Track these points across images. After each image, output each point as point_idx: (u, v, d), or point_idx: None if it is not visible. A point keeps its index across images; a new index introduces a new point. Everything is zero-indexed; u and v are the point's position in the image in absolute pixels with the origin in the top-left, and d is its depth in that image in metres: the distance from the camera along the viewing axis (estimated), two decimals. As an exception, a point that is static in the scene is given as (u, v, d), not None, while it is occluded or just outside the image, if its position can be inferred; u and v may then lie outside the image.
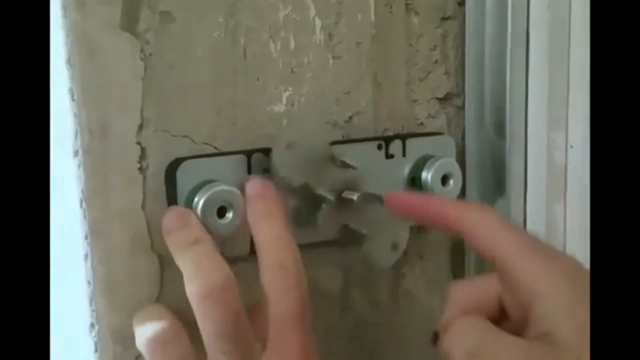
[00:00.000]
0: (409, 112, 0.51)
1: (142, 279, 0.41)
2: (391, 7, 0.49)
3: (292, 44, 0.45)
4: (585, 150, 0.53)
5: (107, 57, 0.39)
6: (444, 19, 0.52)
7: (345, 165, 0.45)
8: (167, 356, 0.38)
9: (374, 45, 0.49)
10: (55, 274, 0.37)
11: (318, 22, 0.46)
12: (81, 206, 0.39)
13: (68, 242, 0.40)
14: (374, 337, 0.51)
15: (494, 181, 0.53)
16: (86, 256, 0.40)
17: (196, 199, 0.41)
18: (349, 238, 0.47)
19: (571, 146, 0.54)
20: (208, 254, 0.38)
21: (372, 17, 0.48)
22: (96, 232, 0.40)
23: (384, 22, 0.49)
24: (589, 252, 0.33)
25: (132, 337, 0.40)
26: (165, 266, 0.41)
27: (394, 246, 0.48)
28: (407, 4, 0.50)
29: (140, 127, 0.40)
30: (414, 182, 0.49)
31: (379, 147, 0.48)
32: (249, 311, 0.37)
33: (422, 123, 0.52)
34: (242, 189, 0.41)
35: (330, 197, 0.45)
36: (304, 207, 0.45)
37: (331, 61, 0.47)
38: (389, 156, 0.48)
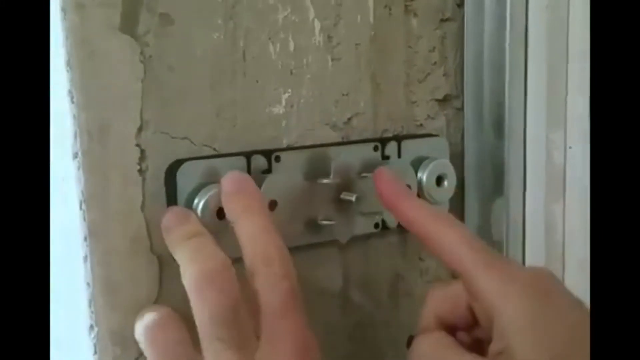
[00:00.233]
0: (408, 114, 0.51)
1: (142, 280, 0.41)
2: (390, 9, 0.49)
3: (292, 46, 0.45)
4: (584, 151, 0.53)
5: (106, 59, 0.39)
6: (443, 20, 0.52)
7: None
8: (164, 341, 0.37)
9: (373, 46, 0.49)
10: (54, 275, 0.37)
11: (317, 24, 0.46)
12: (80, 208, 0.39)
13: (68, 243, 0.40)
14: (373, 338, 0.51)
15: (493, 182, 0.53)
16: (85, 258, 0.40)
17: (196, 201, 0.41)
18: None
19: (570, 147, 0.54)
20: (205, 243, 0.37)
21: (371, 19, 0.48)
22: (95, 234, 0.40)
23: (383, 23, 0.49)
24: (588, 253, 0.33)
25: (131, 339, 0.40)
26: (165, 267, 0.41)
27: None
28: (406, 6, 0.50)
29: (140, 129, 0.40)
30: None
31: (375, 148, 0.48)
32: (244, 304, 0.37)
33: (421, 124, 0.52)
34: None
35: (330, 198, 0.45)
36: (303, 208, 0.45)
37: (330, 63, 0.47)
38: (384, 157, 0.48)
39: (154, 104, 0.41)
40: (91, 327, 0.40)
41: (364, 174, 0.46)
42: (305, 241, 0.46)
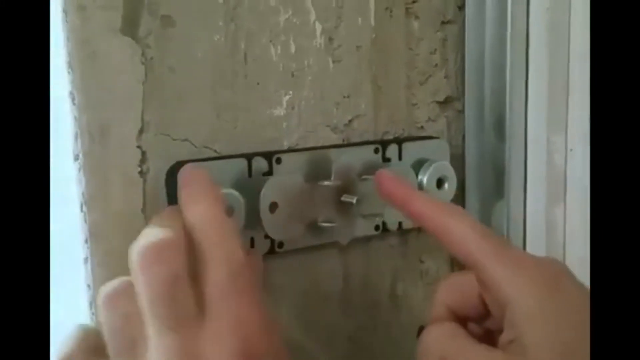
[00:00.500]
0: (409, 116, 0.51)
1: (143, 282, 0.41)
2: (391, 11, 0.49)
3: (293, 48, 0.45)
4: (585, 153, 0.53)
5: (107, 61, 0.39)
6: (444, 22, 0.52)
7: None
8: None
9: (374, 48, 0.49)
10: (55, 277, 0.37)
11: (318, 26, 0.46)
12: (81, 210, 0.39)
13: (68, 245, 0.40)
14: (374, 339, 0.51)
15: (494, 184, 0.53)
16: (86, 259, 0.40)
17: (196, 202, 0.41)
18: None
19: (571, 149, 0.54)
20: (157, 221, 0.37)
21: (372, 21, 0.48)
22: (96, 236, 0.40)
23: (384, 25, 0.49)
24: (588, 255, 0.33)
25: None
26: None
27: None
28: (407, 8, 0.50)
29: (141, 131, 0.40)
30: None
31: (376, 150, 0.48)
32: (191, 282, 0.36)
33: (422, 126, 0.52)
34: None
35: (330, 200, 0.45)
36: (304, 210, 0.45)
37: (331, 65, 0.47)
38: (385, 160, 0.48)
39: (154, 106, 0.41)
40: (92, 328, 0.40)
41: (364, 176, 0.46)
42: (306, 243, 0.46)
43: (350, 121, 0.48)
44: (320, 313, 0.49)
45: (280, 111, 0.45)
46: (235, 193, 0.41)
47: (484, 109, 0.53)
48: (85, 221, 0.39)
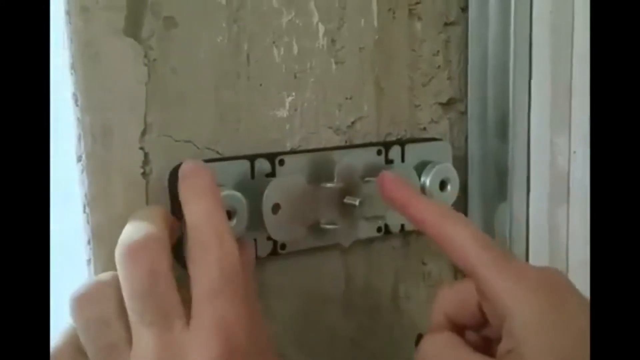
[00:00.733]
0: (412, 117, 0.51)
1: (145, 283, 0.41)
2: (394, 12, 0.49)
3: (295, 49, 0.45)
4: (588, 155, 0.53)
5: (110, 62, 0.39)
6: (447, 24, 0.52)
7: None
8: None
9: (377, 50, 0.49)
10: (58, 279, 0.37)
11: (321, 27, 0.46)
12: (84, 211, 0.39)
13: (71, 247, 0.40)
14: (376, 341, 0.51)
15: (497, 186, 0.53)
16: (89, 261, 0.40)
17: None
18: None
19: (574, 151, 0.54)
20: (140, 216, 0.37)
21: (375, 22, 0.48)
22: (99, 237, 0.40)
23: (386, 27, 0.49)
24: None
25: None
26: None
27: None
28: (410, 9, 0.50)
29: (144, 132, 0.40)
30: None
31: (379, 152, 0.48)
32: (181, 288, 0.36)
33: (424, 128, 0.52)
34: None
35: (333, 202, 0.45)
36: (306, 211, 0.45)
37: (334, 66, 0.47)
38: (388, 161, 0.48)
39: (157, 107, 0.41)
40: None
41: (367, 178, 0.46)
42: (308, 245, 0.46)
43: (352, 123, 0.48)
44: (322, 314, 0.49)
45: (282, 112, 0.45)
46: (238, 194, 0.41)
47: (486, 111, 0.53)
48: (88, 222, 0.40)
